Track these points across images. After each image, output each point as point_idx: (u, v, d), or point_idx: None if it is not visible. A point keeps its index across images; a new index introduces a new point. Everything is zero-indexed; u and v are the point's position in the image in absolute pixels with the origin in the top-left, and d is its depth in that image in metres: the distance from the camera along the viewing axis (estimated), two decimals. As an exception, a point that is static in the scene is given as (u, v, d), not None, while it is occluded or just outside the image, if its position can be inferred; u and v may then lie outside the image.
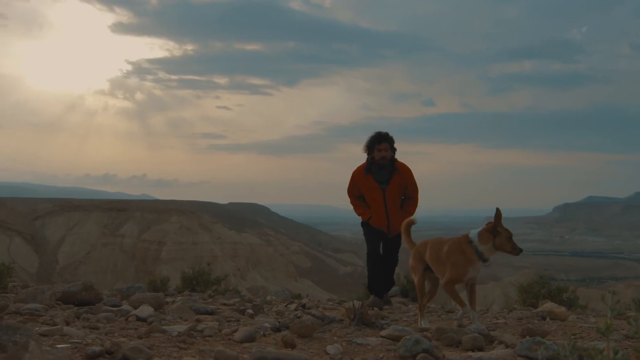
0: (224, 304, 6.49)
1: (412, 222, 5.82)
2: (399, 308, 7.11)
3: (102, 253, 70.09)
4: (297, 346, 3.41)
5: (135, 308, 5.04)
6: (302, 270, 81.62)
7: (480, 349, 3.49)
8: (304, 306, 6.36)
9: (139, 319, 4.55)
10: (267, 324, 4.29)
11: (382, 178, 7.05)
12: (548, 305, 6.31)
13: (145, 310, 4.73)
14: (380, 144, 7.03)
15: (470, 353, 3.34)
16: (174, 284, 12.07)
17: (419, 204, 7.42)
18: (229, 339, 3.68)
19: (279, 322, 4.47)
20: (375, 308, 6.60)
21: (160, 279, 12.93)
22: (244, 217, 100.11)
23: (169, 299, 6.64)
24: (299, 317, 4.70)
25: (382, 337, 3.77)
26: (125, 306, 5.16)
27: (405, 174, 7.12)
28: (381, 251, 7.25)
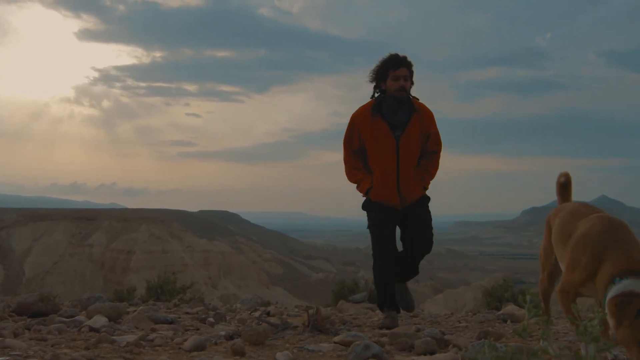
0: (187, 313, 6.42)
1: (561, 183, 3.96)
2: (365, 313, 7.07)
3: (70, 263, 69.01)
4: (246, 354, 3.35)
5: (91, 318, 4.94)
6: (274, 278, 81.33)
7: (433, 353, 3.49)
8: (268, 313, 6.31)
9: (92, 329, 4.45)
10: (222, 332, 4.23)
11: (398, 121, 4.92)
12: (509, 308, 6.36)
13: (99, 321, 4.63)
14: (397, 69, 4.86)
15: (415, 357, 3.33)
16: (141, 294, 11.92)
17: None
18: (179, 348, 3.61)
19: (239, 329, 4.42)
20: (385, 329, 4.83)
21: (126, 289, 12.78)
22: (214, 225, 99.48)
23: (131, 309, 6.54)
24: (260, 325, 4.65)
25: (335, 343, 3.74)
26: (79, 317, 5.06)
27: (427, 117, 5.02)
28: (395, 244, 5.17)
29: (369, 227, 5.12)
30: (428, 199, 5.15)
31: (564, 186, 3.99)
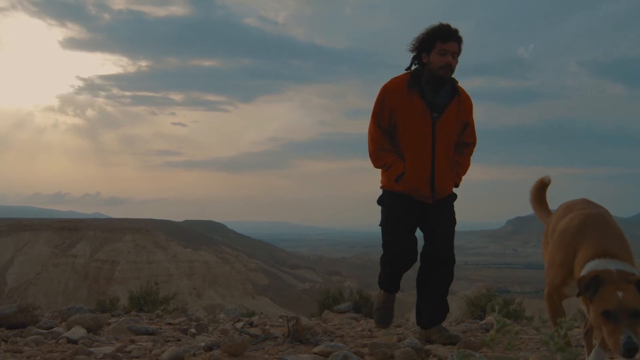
0: (169, 324, 6.36)
1: (545, 183, 3.62)
2: (349, 323, 7.05)
3: (53, 274, 68.40)
4: (225, 365, 3.33)
5: (70, 330, 4.88)
6: (259, 288, 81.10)
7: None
8: (251, 324, 6.28)
9: (69, 341, 4.39)
10: (202, 344, 4.20)
11: (437, 101, 4.23)
12: (492, 318, 6.38)
13: (77, 332, 4.58)
14: (447, 42, 4.14)
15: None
16: (123, 305, 11.84)
17: None
18: (157, 360, 3.58)
19: (220, 340, 4.39)
20: (380, 326, 4.72)
21: (109, 299, 12.69)
22: (200, 234, 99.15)
23: (113, 320, 6.48)
24: (241, 336, 4.62)
25: (314, 353, 3.71)
26: (58, 328, 4.99)
27: (467, 103, 4.40)
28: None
29: (382, 222, 4.43)
30: (455, 196, 4.52)
31: (544, 188, 3.69)
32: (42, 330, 4.89)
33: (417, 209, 4.33)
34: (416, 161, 4.23)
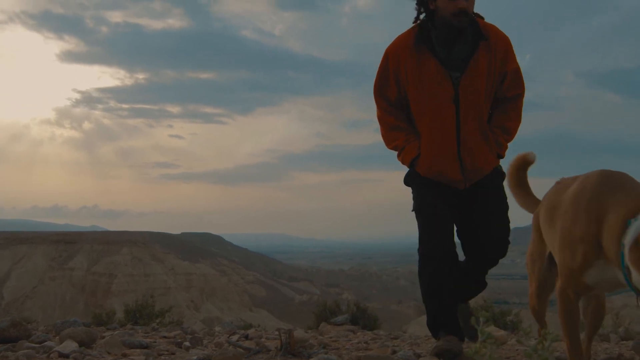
0: (164, 337, 6.31)
1: (529, 160, 3.15)
2: (345, 336, 7.00)
3: (50, 287, 68.25)
4: (216, 379, 3.29)
5: (62, 343, 4.84)
6: (257, 300, 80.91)
7: (406, 376, 3.45)
8: (246, 337, 6.24)
9: (61, 355, 4.34)
10: (194, 357, 4.16)
11: (455, 56, 3.30)
12: (488, 329, 6.34)
13: (69, 346, 4.52)
14: None
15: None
16: (119, 318, 11.80)
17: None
18: (148, 374, 3.54)
19: (213, 353, 4.36)
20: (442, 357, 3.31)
21: (105, 313, 12.65)
22: (197, 247, 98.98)
23: (108, 333, 6.42)
24: (234, 349, 4.59)
25: (307, 366, 3.69)
26: (50, 342, 4.94)
27: (501, 45, 3.33)
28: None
29: (414, 209, 3.53)
30: (502, 174, 3.50)
31: (525, 168, 3.17)
32: (34, 345, 4.84)
33: (450, 196, 3.44)
34: (435, 138, 3.36)
